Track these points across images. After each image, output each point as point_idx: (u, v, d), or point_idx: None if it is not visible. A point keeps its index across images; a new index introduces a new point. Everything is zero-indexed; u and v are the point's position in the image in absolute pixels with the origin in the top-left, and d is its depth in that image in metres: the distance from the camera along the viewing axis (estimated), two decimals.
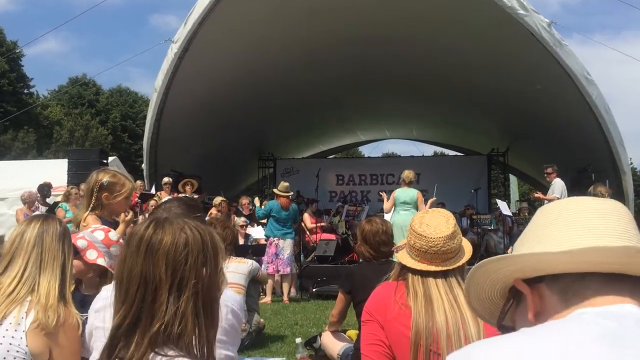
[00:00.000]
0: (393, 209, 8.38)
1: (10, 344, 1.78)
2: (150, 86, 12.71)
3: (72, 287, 2.22)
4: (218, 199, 9.75)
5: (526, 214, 12.69)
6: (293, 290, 8.63)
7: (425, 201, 8.43)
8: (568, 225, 0.83)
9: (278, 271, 8.31)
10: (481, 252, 10.76)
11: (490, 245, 11.19)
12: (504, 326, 0.91)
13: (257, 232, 10.19)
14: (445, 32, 11.24)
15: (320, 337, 4.41)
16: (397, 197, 8.33)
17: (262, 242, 9.30)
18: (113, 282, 2.01)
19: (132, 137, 37.87)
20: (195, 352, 1.19)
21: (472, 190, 14.23)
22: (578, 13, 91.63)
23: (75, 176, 10.45)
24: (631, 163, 24.40)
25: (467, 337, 1.83)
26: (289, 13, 11.11)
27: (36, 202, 9.54)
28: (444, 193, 14.71)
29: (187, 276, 1.20)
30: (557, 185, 9.34)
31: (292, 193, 9.15)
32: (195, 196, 10.28)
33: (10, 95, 31.89)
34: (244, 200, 11.51)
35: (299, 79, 13.53)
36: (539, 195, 10.54)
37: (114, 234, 2.62)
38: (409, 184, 8.40)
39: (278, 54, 12.19)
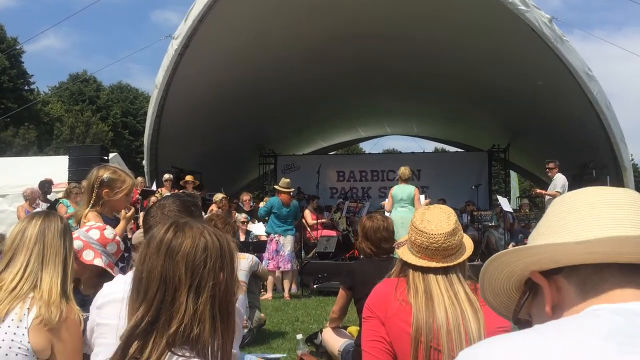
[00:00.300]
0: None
1: (13, 340, 1.78)
2: (151, 82, 12.72)
3: (71, 287, 2.22)
4: (219, 196, 9.75)
5: (527, 211, 12.68)
6: (294, 287, 8.64)
7: (426, 197, 8.47)
8: (585, 215, 0.82)
9: (279, 268, 8.31)
10: (482, 248, 10.76)
11: (491, 241, 11.19)
12: (520, 320, 0.91)
13: (258, 229, 10.20)
14: (445, 28, 11.22)
15: (321, 333, 4.42)
16: (395, 195, 8.33)
17: (263, 238, 9.30)
18: (115, 279, 2.03)
19: (132, 134, 37.89)
20: (211, 355, 1.22)
21: (473, 187, 14.24)
22: (579, 9, 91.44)
23: (76, 173, 10.45)
24: (632, 159, 24.34)
25: (468, 333, 1.84)
26: (289, 10, 11.09)
27: (37, 199, 9.55)
28: (444, 189, 14.76)
29: (206, 279, 1.23)
30: (559, 180, 9.33)
31: (293, 189, 9.15)
32: (197, 193, 10.30)
33: (10, 91, 31.88)
34: (245, 197, 11.52)
35: (300, 76, 13.51)
36: (540, 191, 10.53)
37: (109, 232, 2.61)
38: (406, 180, 8.40)
39: (278, 50, 12.18)
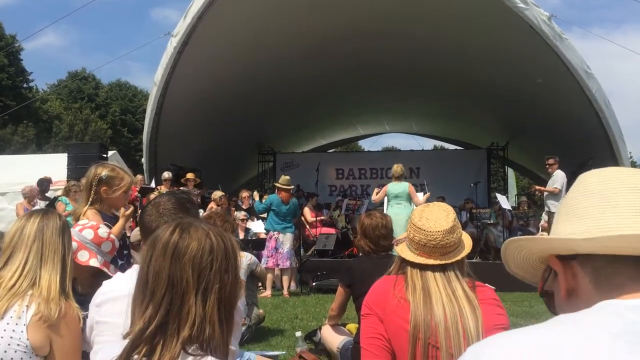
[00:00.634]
0: (386, 203, 8.38)
1: (11, 337, 1.78)
2: (150, 80, 12.70)
3: (70, 284, 2.22)
4: (218, 193, 9.76)
5: (525, 208, 12.69)
6: (293, 284, 8.65)
7: (424, 193, 8.46)
8: (605, 203, 0.79)
9: (278, 265, 8.32)
10: (481, 246, 10.77)
11: (490, 239, 11.19)
12: (547, 292, 0.90)
13: (257, 226, 10.20)
14: (444, 26, 11.21)
15: (320, 330, 4.42)
16: (389, 192, 8.32)
17: (262, 236, 9.31)
18: (114, 277, 2.03)
19: (131, 132, 37.86)
20: (218, 355, 1.23)
21: (472, 184, 14.25)
22: (578, 6, 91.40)
23: (75, 170, 10.43)
24: (631, 157, 24.41)
25: (466, 330, 1.84)
26: (288, 7, 11.08)
27: (36, 197, 9.54)
28: (443, 187, 14.74)
29: (212, 281, 1.23)
30: (559, 176, 9.34)
31: (293, 187, 9.16)
32: (197, 191, 10.30)
33: (9, 89, 31.84)
34: (244, 194, 11.51)
35: (299, 73, 13.50)
36: (539, 188, 10.54)
37: (103, 231, 2.61)
38: (399, 178, 8.38)
39: (278, 48, 12.16)
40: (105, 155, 11.39)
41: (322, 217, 11.66)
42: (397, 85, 14.90)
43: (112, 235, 2.66)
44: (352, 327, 4.28)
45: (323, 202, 14.00)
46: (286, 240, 8.36)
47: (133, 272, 1.92)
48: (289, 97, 14.70)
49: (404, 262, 2.03)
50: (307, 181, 14.59)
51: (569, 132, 12.68)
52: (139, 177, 11.11)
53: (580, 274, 0.81)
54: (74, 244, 2.40)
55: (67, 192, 8.64)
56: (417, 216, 2.03)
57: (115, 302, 1.83)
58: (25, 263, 1.92)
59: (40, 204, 9.15)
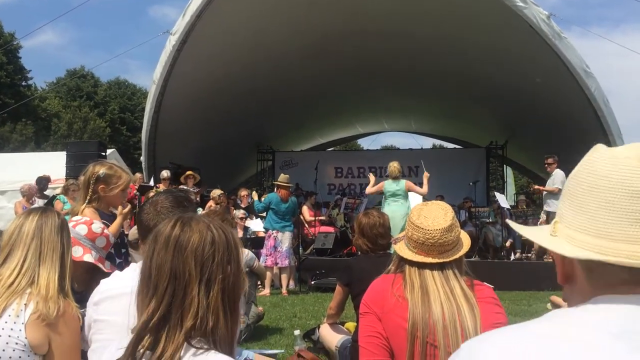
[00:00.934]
0: (383, 200, 8.34)
1: (10, 335, 1.78)
2: (149, 78, 12.69)
3: (69, 283, 2.21)
4: (216, 192, 9.75)
5: (524, 207, 12.70)
6: (292, 283, 8.65)
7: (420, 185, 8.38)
8: (601, 206, 0.74)
9: (277, 264, 8.32)
10: (479, 244, 10.78)
11: (489, 237, 11.20)
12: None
13: (255, 225, 10.20)
14: (443, 25, 11.21)
15: (318, 329, 4.42)
16: (386, 190, 8.24)
17: (261, 234, 9.31)
18: (112, 275, 2.02)
19: (130, 130, 37.85)
20: (223, 347, 1.24)
21: (471, 183, 14.26)
22: (577, 5, 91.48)
23: (74, 169, 10.43)
24: None
25: (464, 329, 1.84)
26: (288, 6, 11.07)
27: (34, 195, 9.54)
28: (442, 186, 14.73)
29: (215, 272, 1.25)
30: (558, 175, 9.34)
31: (292, 185, 9.15)
32: (196, 189, 10.29)
33: (7, 87, 31.81)
34: (243, 193, 11.50)
35: (298, 72, 13.49)
36: (538, 187, 10.54)
37: (97, 226, 2.60)
38: (395, 178, 8.25)
39: (277, 46, 12.15)
40: (104, 154, 11.39)
41: (321, 217, 11.66)
42: (397, 84, 14.89)
43: (106, 231, 2.65)
44: (350, 325, 4.28)
45: (322, 200, 14.00)
46: (285, 238, 8.36)
47: (131, 270, 1.92)
48: (288, 95, 14.69)
49: (402, 261, 2.03)
50: (306, 180, 14.60)
51: (567, 131, 12.69)
52: (138, 175, 11.11)
53: (575, 264, 0.80)
54: None
55: (65, 190, 8.64)
56: (416, 214, 2.04)
57: (113, 300, 1.83)
58: (24, 261, 1.92)
59: (39, 202, 9.14)
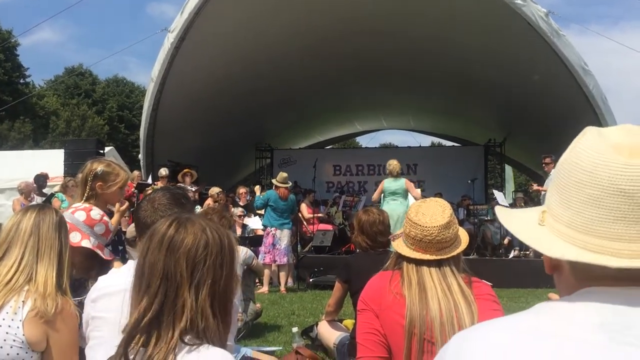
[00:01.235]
0: (382, 199, 8.34)
1: (7, 333, 1.78)
2: (147, 76, 12.69)
3: (68, 280, 2.21)
4: (215, 190, 9.74)
5: (522, 204, 12.70)
6: (290, 281, 8.66)
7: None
8: (586, 202, 0.74)
9: (275, 261, 8.33)
10: (478, 242, 10.79)
11: (487, 235, 11.21)
12: None
13: (254, 223, 10.20)
14: (442, 23, 11.20)
15: (316, 326, 4.43)
16: (386, 188, 8.26)
17: (260, 232, 9.31)
18: (110, 272, 2.02)
19: (128, 128, 37.81)
20: (215, 345, 1.25)
21: (469, 181, 14.26)
22: (576, 3, 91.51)
23: (72, 166, 10.41)
24: None
25: (461, 325, 1.84)
26: (287, 5, 11.05)
27: (32, 193, 9.53)
28: (441, 183, 14.78)
29: (205, 276, 1.25)
30: None
31: (290, 184, 9.15)
32: (194, 187, 10.29)
33: (5, 85, 31.75)
34: (241, 190, 11.50)
35: (297, 71, 13.48)
36: (537, 187, 10.55)
37: (96, 213, 2.59)
38: (396, 176, 8.24)
39: (276, 45, 12.14)
40: (102, 152, 11.36)
41: (319, 215, 11.66)
42: (396, 83, 14.88)
43: (105, 218, 2.65)
44: (348, 323, 4.29)
45: (320, 198, 14.01)
46: (283, 236, 8.37)
47: (128, 268, 1.92)
48: (287, 94, 14.68)
49: (400, 258, 2.03)
50: (305, 177, 14.59)
51: (565, 129, 12.68)
52: (136, 173, 11.10)
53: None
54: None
55: (64, 188, 8.63)
56: (414, 211, 2.04)
57: (111, 297, 1.83)
58: (22, 258, 1.92)
59: (37, 200, 9.13)
